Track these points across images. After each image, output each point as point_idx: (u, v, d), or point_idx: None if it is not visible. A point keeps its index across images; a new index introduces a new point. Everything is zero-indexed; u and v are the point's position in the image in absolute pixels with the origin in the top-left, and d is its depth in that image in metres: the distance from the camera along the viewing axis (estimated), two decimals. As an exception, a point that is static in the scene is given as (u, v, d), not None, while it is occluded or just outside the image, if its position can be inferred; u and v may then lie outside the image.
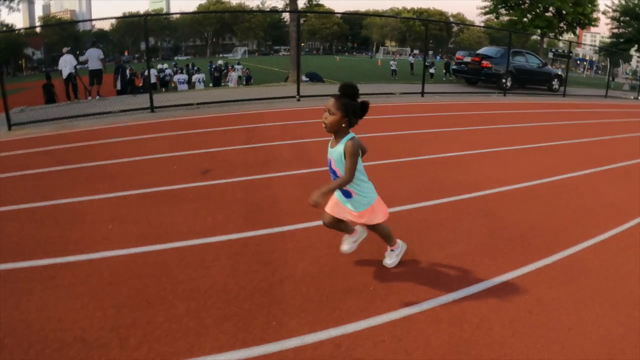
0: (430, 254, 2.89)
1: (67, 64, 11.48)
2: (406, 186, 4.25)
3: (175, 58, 65.23)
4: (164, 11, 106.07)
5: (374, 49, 73.72)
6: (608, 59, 38.93)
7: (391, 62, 25.30)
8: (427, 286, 2.51)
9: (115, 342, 2.00)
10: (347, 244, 2.66)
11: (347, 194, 2.42)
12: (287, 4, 15.29)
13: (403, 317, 2.21)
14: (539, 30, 19.18)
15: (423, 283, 2.54)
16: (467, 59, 14.16)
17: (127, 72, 15.50)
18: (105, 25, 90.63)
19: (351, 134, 2.32)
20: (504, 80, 13.03)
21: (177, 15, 75.19)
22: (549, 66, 15.68)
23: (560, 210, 3.91)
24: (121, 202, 3.72)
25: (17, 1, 23.56)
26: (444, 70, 25.29)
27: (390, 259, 2.69)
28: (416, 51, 64.79)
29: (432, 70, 25.50)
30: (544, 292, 2.54)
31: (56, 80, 12.67)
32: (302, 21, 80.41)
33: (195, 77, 16.35)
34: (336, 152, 2.33)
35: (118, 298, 2.34)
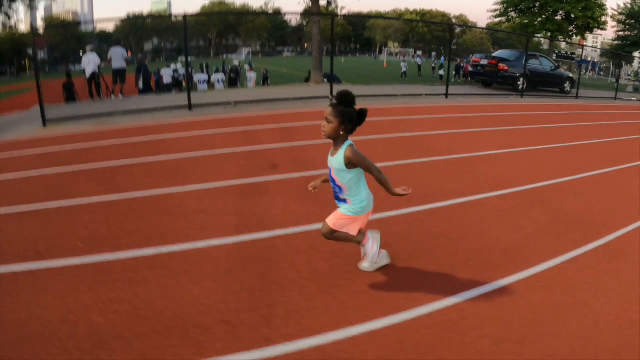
0: (505, 237, 3.35)
1: (90, 62, 11.53)
2: (457, 181, 4.68)
3: (180, 59, 65.67)
4: (166, 12, 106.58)
5: (377, 50, 74.23)
6: (611, 61, 39.47)
7: (402, 64, 25.76)
8: (514, 263, 2.95)
9: (261, 321, 2.17)
10: (366, 263, 2.69)
11: (343, 201, 2.50)
12: (309, 7, 15.75)
13: (503, 286, 2.64)
14: (549, 34, 19.69)
15: (510, 260, 2.99)
16: (484, 62, 14.62)
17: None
18: (108, 27, 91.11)
19: (349, 142, 2.39)
20: (519, 83, 13.54)
21: (180, 17, 75.61)
22: (561, 69, 16.15)
23: (602, 200, 4.37)
24: (203, 194, 4.00)
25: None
26: (454, 72, 25.77)
27: (367, 264, 2.70)
28: (419, 52, 65.29)
29: (441, 72, 26.03)
30: (606, 265, 3.00)
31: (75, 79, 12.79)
32: (305, 23, 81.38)
33: (214, 77, 16.78)
34: (335, 160, 2.40)
35: (244, 282, 2.52)
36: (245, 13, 61.82)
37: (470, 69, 16.12)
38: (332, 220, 2.50)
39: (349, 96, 2.30)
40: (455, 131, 7.27)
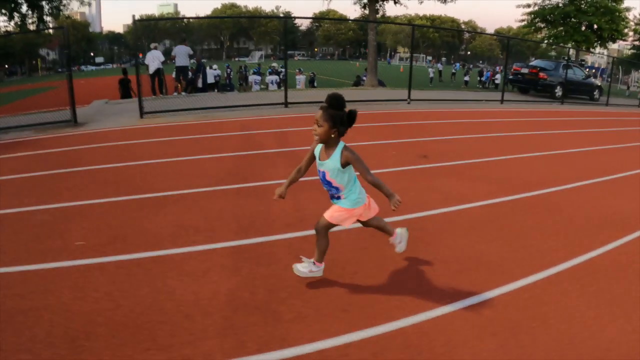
0: (628, 206, 4.49)
1: (154, 59, 11.90)
2: (567, 170, 5.79)
3: (192, 61, 66.65)
4: (173, 13, 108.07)
5: (388, 54, 75.67)
6: (620, 69, 40.86)
7: (429, 70, 27.05)
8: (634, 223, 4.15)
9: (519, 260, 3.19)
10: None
11: (338, 198, 2.55)
12: (364, 15, 17.08)
13: (604, 251, 3.85)
14: (573, 43, 21.03)
15: (630, 222, 4.19)
16: (525, 70, 15.89)
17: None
18: (117, 28, 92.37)
19: (342, 144, 2.43)
20: (556, 91, 14.85)
21: (192, 19, 77.39)
22: (591, 78, 17.43)
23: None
24: (386, 177, 5.10)
25: None
26: (478, 78, 27.06)
27: (303, 269, 2.69)
28: (430, 58, 66.78)
29: (466, 78, 27.33)
30: None
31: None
32: (316, 27, 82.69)
33: (268, 79, 18.01)
34: (331, 162, 2.43)
35: (494, 233, 3.46)
36: (270, 17, 63.19)
37: (510, 76, 17.26)
38: (329, 214, 2.55)
39: (339, 99, 2.34)
40: (534, 132, 8.48)
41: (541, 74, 15.06)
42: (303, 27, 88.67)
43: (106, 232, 3.44)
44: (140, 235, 3.37)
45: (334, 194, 2.52)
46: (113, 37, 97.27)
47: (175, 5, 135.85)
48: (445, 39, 75.51)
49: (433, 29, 72.37)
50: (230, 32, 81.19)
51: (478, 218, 3.96)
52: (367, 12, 17.04)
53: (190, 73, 14.03)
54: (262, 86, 18.29)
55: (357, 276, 2.84)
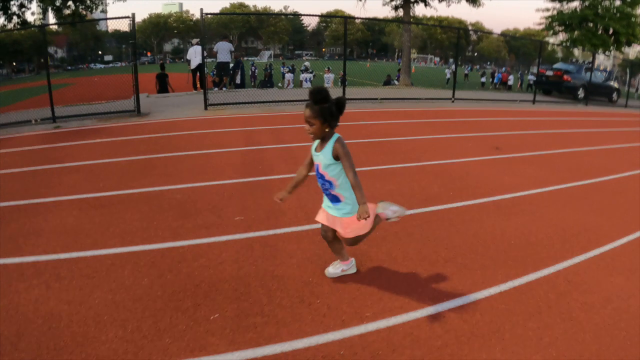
0: None
1: (197, 55, 12.06)
2: (620, 161, 6.63)
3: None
4: (188, 12, 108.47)
5: (396, 55, 76.46)
6: (628, 70, 41.73)
7: (446, 71, 27.89)
8: None
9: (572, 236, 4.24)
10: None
11: (335, 199, 2.44)
12: (398, 16, 17.93)
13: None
14: (591, 47, 21.83)
15: None
16: (549, 73, 16.73)
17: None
18: (123, 27, 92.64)
19: (336, 135, 2.37)
20: (579, 92, 15.70)
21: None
22: (610, 81, 18.24)
23: None
24: (471, 166, 5.68)
25: None
26: (491, 80, 27.94)
27: (335, 269, 2.74)
28: (437, 58, 67.64)
29: (483, 79, 28.18)
30: None
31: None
32: (323, 27, 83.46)
33: (302, 77, 18.91)
34: (323, 155, 2.37)
35: (580, 208, 4.40)
36: (276, 15, 63.71)
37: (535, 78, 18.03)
38: (348, 233, 2.50)
39: (322, 91, 2.28)
40: (575, 130, 9.31)
41: (565, 77, 15.89)
42: (310, 28, 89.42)
43: (259, 208, 3.64)
44: (299, 210, 3.67)
45: (329, 189, 2.45)
46: (120, 35, 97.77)
47: (180, 5, 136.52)
48: (452, 40, 76.10)
49: (442, 30, 73.18)
50: (240, 31, 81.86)
51: (561, 197, 4.78)
52: (400, 14, 17.89)
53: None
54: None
55: (479, 236, 3.64)
